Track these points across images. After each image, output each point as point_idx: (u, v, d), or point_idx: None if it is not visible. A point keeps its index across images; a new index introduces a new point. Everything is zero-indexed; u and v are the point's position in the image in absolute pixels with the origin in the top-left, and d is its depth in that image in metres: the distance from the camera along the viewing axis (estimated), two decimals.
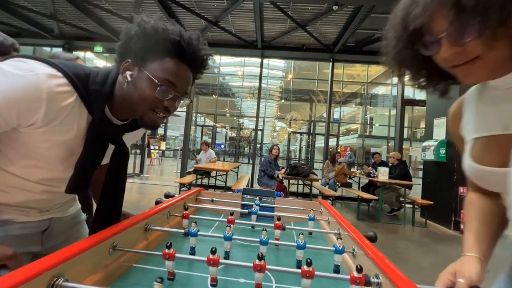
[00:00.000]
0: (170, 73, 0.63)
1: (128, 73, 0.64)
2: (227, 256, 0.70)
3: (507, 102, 0.52)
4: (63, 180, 0.67)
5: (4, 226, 0.68)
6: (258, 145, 11.53)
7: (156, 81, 0.62)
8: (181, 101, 0.68)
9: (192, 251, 0.72)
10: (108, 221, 0.69)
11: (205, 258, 0.54)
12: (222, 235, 0.71)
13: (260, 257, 0.53)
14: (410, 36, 0.49)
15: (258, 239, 0.70)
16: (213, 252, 0.54)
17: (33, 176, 0.67)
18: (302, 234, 0.72)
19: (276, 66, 14.42)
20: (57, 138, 0.62)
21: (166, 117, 0.69)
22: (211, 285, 0.57)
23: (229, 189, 5.53)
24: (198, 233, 0.72)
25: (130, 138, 0.84)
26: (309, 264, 0.52)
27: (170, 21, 0.67)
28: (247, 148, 19.64)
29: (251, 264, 0.57)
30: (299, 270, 0.52)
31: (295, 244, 0.70)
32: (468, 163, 0.58)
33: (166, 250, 0.56)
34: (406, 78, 0.58)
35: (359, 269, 0.51)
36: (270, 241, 0.71)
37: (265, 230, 0.72)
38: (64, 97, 0.59)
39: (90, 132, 0.65)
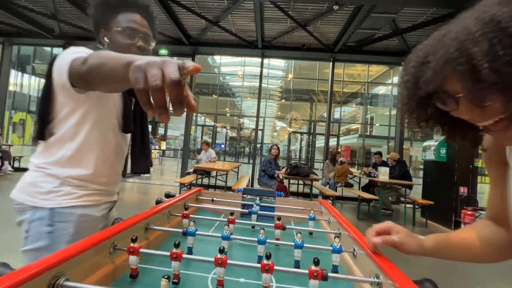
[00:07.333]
0: (127, 21, 0.85)
1: (105, 38, 0.87)
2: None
3: None
4: (122, 142, 0.92)
5: (96, 207, 0.86)
6: (259, 145, 11.52)
7: (120, 29, 0.85)
8: (150, 42, 0.90)
9: (189, 251, 0.71)
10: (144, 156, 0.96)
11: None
12: (220, 235, 0.71)
13: (222, 251, 0.53)
14: (424, 96, 0.45)
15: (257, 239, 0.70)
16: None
17: (108, 134, 0.86)
18: (300, 233, 0.72)
19: (277, 66, 14.41)
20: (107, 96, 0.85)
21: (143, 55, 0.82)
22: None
23: (229, 189, 5.52)
24: (196, 232, 0.71)
25: None
26: (268, 257, 0.52)
27: None
28: (247, 148, 19.64)
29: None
30: (258, 265, 0.52)
31: (293, 243, 0.70)
32: None
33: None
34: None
35: (316, 262, 0.51)
36: (270, 240, 0.71)
37: (263, 229, 0.72)
38: None
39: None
